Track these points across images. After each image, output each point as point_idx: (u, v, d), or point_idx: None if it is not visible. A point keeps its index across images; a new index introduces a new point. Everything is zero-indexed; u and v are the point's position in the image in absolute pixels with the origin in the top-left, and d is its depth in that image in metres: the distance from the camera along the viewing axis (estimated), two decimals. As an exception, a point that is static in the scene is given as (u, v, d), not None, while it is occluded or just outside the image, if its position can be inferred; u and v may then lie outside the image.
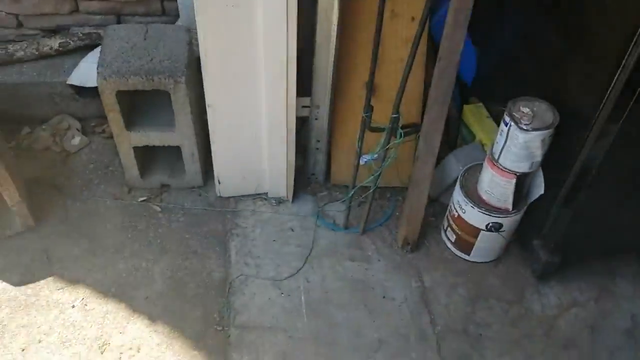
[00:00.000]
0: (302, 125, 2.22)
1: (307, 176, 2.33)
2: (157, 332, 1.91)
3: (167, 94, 2.01)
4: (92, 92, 2.27)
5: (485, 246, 2.06)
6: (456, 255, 2.15)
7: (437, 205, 2.27)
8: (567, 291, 2.08)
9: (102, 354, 1.84)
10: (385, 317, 1.98)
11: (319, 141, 2.20)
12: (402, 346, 1.91)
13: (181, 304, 1.98)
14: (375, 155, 1.98)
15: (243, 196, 2.27)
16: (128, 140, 2.14)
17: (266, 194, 2.28)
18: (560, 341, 1.96)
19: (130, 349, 1.86)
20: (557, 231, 1.96)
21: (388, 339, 1.93)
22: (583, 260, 2.12)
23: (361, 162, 2.01)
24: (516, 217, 1.98)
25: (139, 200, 2.24)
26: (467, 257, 2.13)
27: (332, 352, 1.89)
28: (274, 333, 1.92)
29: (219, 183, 2.22)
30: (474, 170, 2.05)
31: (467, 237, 2.06)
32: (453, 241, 2.13)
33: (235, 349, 1.88)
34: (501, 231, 2.00)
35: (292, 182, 2.22)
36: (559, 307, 2.04)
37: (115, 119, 2.07)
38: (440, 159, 2.10)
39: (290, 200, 2.27)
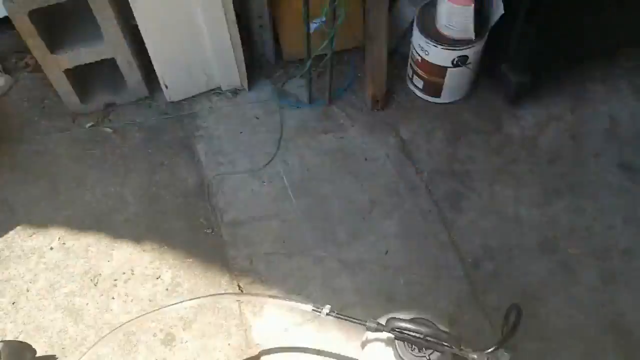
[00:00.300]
0: (240, 5, 2.04)
1: (257, 59, 2.19)
2: (146, 251, 1.83)
3: (86, 4, 1.80)
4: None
5: (454, 84, 2.00)
6: (427, 101, 2.09)
7: (397, 56, 2.17)
8: (542, 108, 2.07)
9: (95, 285, 1.77)
10: (371, 178, 1.95)
11: (260, 17, 2.03)
12: (394, 200, 1.90)
13: (163, 218, 1.90)
14: (324, 18, 1.84)
15: (195, 96, 2.13)
16: (56, 65, 1.94)
17: (219, 87, 2.13)
18: (545, 157, 1.97)
19: (124, 273, 1.79)
20: (524, 50, 1.91)
21: (379, 197, 1.91)
22: (552, 75, 2.09)
23: (311, 29, 1.88)
24: (480, 46, 1.90)
25: (87, 126, 2.08)
26: (438, 100, 2.07)
27: (328, 224, 1.86)
28: (266, 221, 1.88)
29: (166, 87, 2.06)
30: (429, 9, 1.93)
31: (434, 79, 1.99)
32: (421, 87, 2.06)
33: (231, 246, 1.83)
34: (467, 64, 1.93)
35: (243, 69, 2.07)
36: (538, 126, 2.03)
37: (36, 44, 1.86)
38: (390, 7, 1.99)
39: (247, 88, 2.14)
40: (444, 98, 2.06)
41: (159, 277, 1.79)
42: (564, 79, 2.11)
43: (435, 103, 2.08)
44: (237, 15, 1.92)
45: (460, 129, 2.04)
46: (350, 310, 1.69)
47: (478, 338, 1.62)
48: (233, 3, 1.86)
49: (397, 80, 2.15)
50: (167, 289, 1.77)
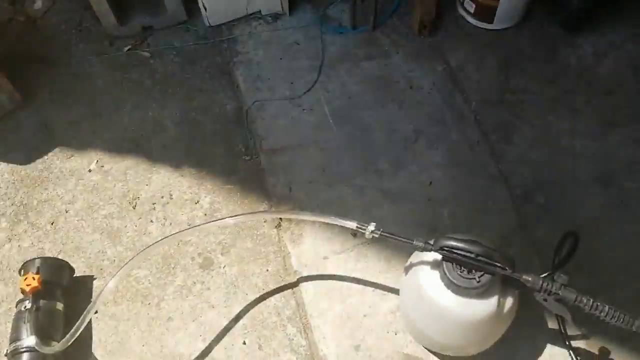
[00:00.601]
0: None
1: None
2: (184, 176, 1.81)
3: None
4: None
5: (509, 7, 1.87)
6: (478, 27, 1.97)
7: (447, -22, 2.05)
8: (602, 37, 1.93)
9: (134, 208, 1.75)
10: (416, 107, 1.86)
11: None
12: (440, 130, 1.81)
13: (201, 144, 1.86)
14: None
15: (235, 20, 2.05)
16: (92, -17, 1.89)
17: (259, 11, 2.05)
18: (603, 88, 1.84)
19: (162, 197, 1.77)
20: (586, -30, 1.78)
21: (424, 127, 1.82)
22: (614, 2, 1.94)
23: (356, -53, 1.78)
24: (539, -36, 1.78)
25: (125, 50, 2.04)
26: (490, 27, 1.95)
27: (369, 153, 1.79)
28: (306, 149, 1.82)
29: (205, 10, 1.98)
30: None
31: (488, 1, 1.86)
32: (472, 12, 1.93)
33: (270, 172, 1.78)
34: (525, -16, 1.81)
35: (284, -8, 1.99)
36: (596, 55, 1.90)
37: (70, -39, 1.81)
38: None
39: (287, 12, 2.05)
40: (497, 24, 1.93)
41: (198, 202, 1.77)
42: (627, 5, 1.96)
43: (487, 29, 1.96)
44: None
45: (513, 57, 1.92)
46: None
47: (526, 270, 1.56)
48: None
49: (446, 4, 2.02)
50: (205, 214, 1.75)
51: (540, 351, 1.47)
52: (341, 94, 1.90)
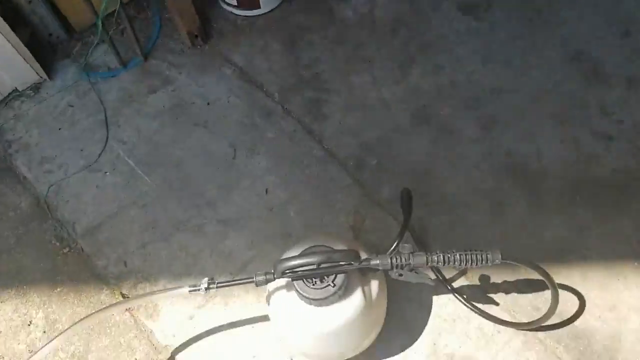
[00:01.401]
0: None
1: (45, 41, 1.85)
2: (3, 301, 1.54)
3: None
4: None
5: (269, -12, 1.80)
6: (248, 16, 1.87)
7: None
8: (368, -19, 1.91)
9: (-40, 362, 1.48)
10: (222, 121, 1.73)
11: (22, -9, 1.71)
12: (255, 135, 1.70)
13: (9, 257, 1.59)
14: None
15: (-9, 108, 1.80)
16: None
17: (16, 89, 1.80)
18: (387, 28, 1.82)
19: (-13, 335, 1.51)
20: None
21: (238, 136, 1.70)
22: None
23: (85, -16, 1.59)
24: None
25: None
26: (259, 12, 1.86)
27: (194, 188, 1.64)
28: (125, 213, 1.62)
29: (-50, 112, 1.71)
30: None
31: (246, -12, 1.77)
32: (237, 4, 1.83)
33: (96, 255, 1.57)
34: (272, -40, 1.72)
35: (31, 58, 1.74)
36: (369, 1, 1.87)
37: None
38: None
39: (47, 77, 1.81)
40: (264, 7, 1.84)
41: (31, 322, 1.52)
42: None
43: (258, 16, 1.86)
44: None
45: (295, 33, 1.84)
46: (252, 266, 1.53)
47: (389, 236, 1.50)
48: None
49: (208, 5, 1.90)
50: (44, 332, 1.51)
51: (428, 304, 1.43)
52: (140, 139, 1.72)
